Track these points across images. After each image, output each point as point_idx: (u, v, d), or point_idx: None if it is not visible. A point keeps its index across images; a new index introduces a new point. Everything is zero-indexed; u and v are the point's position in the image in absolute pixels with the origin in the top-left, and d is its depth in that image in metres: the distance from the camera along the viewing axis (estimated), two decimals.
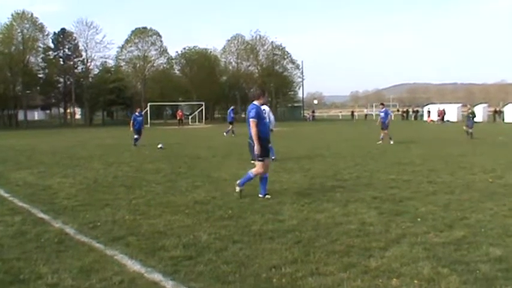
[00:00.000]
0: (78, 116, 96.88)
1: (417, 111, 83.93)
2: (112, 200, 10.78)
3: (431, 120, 69.53)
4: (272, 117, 19.06)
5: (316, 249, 6.79)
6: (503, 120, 67.61)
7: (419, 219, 8.43)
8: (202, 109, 74.43)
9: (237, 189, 10.74)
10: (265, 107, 19.42)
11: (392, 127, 27.78)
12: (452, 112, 72.49)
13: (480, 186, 11.89)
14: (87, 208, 9.89)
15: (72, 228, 8.20)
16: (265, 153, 10.67)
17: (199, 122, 72.31)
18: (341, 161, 17.69)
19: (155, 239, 7.49)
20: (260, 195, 10.70)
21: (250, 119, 10.43)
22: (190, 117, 75.75)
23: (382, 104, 30.99)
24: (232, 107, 43.41)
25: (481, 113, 71.26)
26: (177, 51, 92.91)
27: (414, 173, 14.31)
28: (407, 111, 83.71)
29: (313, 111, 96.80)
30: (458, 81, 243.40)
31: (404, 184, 12.27)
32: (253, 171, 10.79)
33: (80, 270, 6.04)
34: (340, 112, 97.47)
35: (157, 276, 5.81)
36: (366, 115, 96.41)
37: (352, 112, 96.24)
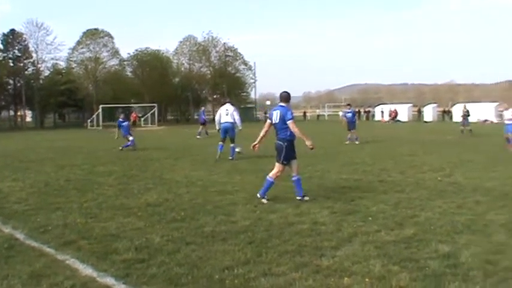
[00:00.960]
0: (28, 119, 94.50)
1: (369, 111, 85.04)
2: (63, 203, 10.59)
3: (384, 120, 70.54)
4: (237, 116, 19.24)
5: (268, 250, 6.83)
6: (451, 119, 69.09)
7: (370, 218, 8.56)
8: (155, 111, 73.81)
9: (264, 201, 10.32)
10: (229, 107, 19.62)
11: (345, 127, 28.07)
12: (403, 112, 73.72)
13: (429, 184, 12.12)
14: (38, 212, 9.70)
15: (22, 233, 8.05)
16: (292, 155, 10.58)
17: (152, 124, 71.67)
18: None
19: (107, 242, 7.40)
20: (298, 197, 10.44)
21: (291, 121, 10.29)
22: (142, 119, 74.98)
23: (348, 104, 31.77)
24: (203, 108, 43.49)
25: (430, 113, 72.87)
26: (129, 53, 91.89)
27: (365, 172, 14.49)
28: (359, 112, 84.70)
29: (265, 112, 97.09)
30: (409, 81, 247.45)
31: (356, 183, 12.42)
32: (271, 175, 10.58)
33: (30, 275, 5.93)
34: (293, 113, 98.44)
35: (109, 280, 5.75)
36: (318, 115, 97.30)
37: (305, 113, 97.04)
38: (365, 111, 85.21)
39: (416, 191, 11.25)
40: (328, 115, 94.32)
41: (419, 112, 76.83)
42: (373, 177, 13.55)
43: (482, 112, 64.46)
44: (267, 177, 10.59)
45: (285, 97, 10.61)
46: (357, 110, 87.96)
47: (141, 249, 6.96)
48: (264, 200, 10.29)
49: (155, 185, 12.92)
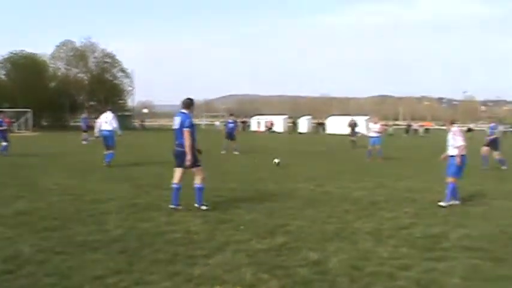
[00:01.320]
0: None
1: (245, 122, 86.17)
2: None
3: (261, 131, 71.69)
4: (115, 124, 18.94)
5: (141, 259, 6.75)
6: (325, 131, 71.59)
7: (242, 227, 8.69)
8: (29, 116, 70.55)
9: (204, 208, 10.29)
10: (109, 115, 19.24)
11: (221, 138, 28.30)
12: (279, 123, 75.47)
13: (302, 194, 12.48)
14: None
15: None
16: (197, 159, 10.42)
17: (26, 129, 68.45)
18: (169, 170, 17.59)
19: None
20: (196, 205, 10.39)
21: (186, 129, 10.12)
22: (15, 124, 71.43)
23: (232, 114, 31.94)
24: (84, 115, 42.35)
25: (305, 124, 75.08)
26: (2, 55, 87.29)
27: (241, 181, 14.66)
28: (235, 122, 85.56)
29: (142, 121, 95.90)
30: (285, 93, 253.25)
31: (231, 193, 12.53)
32: (198, 182, 10.45)
33: None
34: (169, 122, 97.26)
35: None
36: (196, 124, 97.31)
37: None
38: (242, 122, 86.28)
39: (290, 200, 11.55)
40: (205, 124, 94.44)
41: (294, 123, 78.99)
42: (249, 186, 13.74)
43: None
44: (195, 185, 10.46)
45: (186, 104, 10.51)
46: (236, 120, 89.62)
47: (9, 260, 6.63)
48: (204, 207, 10.29)
49: (27, 192, 12.31)
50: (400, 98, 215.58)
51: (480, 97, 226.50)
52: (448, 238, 8.32)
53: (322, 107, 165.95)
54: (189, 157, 10.09)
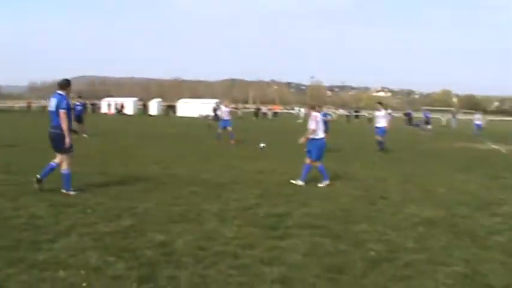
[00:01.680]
0: None
1: (95, 104, 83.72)
2: None
3: (112, 113, 70.12)
4: None
5: None
6: (175, 114, 71.57)
7: (89, 210, 8.54)
8: None
9: (72, 193, 9.95)
10: None
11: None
12: (129, 105, 74.26)
13: (150, 176, 12.44)
14: None
15: None
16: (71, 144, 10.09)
17: None
18: (12, 153, 16.79)
19: None
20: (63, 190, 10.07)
21: (62, 110, 9.78)
22: None
23: (80, 96, 31.37)
24: None
25: (155, 107, 74.57)
26: None
27: (88, 165, 14.23)
28: (84, 104, 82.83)
29: None
30: (136, 75, 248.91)
31: (78, 176, 12.16)
32: (65, 168, 10.12)
33: None
34: (17, 103, 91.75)
35: None
36: (45, 107, 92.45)
37: (29, 103, 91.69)
38: (91, 104, 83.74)
39: (137, 183, 11.47)
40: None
41: (145, 106, 78.17)
42: (95, 169, 13.42)
43: (205, 108, 67.99)
44: (62, 171, 10.16)
45: (62, 85, 10.17)
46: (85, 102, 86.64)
47: None
48: (72, 192, 9.98)
49: None
50: (250, 82, 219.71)
51: (327, 82, 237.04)
52: (292, 217, 8.71)
53: (173, 89, 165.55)
54: (67, 139, 9.93)
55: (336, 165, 16.20)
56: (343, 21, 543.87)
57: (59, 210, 8.51)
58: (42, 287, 5.19)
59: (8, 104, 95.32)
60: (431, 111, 64.87)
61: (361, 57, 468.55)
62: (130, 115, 67.79)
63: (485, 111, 39.91)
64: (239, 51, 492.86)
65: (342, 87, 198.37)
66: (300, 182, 12.09)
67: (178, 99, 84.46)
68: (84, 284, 5.27)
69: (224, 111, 25.73)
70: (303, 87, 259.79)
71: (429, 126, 41.42)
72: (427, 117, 43.19)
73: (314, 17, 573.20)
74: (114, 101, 75.38)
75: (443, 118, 70.95)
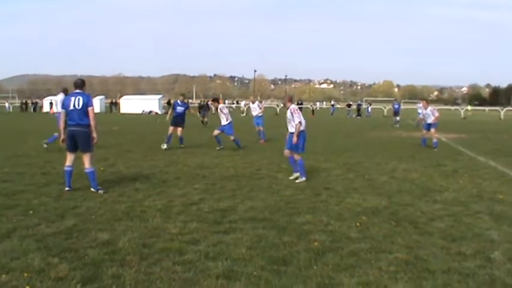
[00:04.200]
0: None
1: (36, 103, 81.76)
2: None
3: (54, 112, 68.54)
4: None
5: None
6: (119, 111, 70.66)
7: (31, 212, 8.38)
8: None
9: (101, 192, 10.17)
10: None
11: (11, 119, 26.67)
12: None
13: (98, 175, 12.24)
14: None
15: None
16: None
17: None
18: None
19: None
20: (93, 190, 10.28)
21: (91, 108, 10.27)
22: None
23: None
24: None
25: (98, 104, 73.35)
26: None
27: (29, 165, 13.97)
28: (26, 103, 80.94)
29: None
30: (78, 73, 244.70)
31: (18, 177, 11.92)
32: (90, 166, 10.37)
33: None
34: None
35: None
36: None
37: None
38: (32, 103, 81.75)
39: (80, 181, 11.22)
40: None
41: (112, 104, 76.86)
42: (37, 169, 13.17)
43: (148, 104, 67.47)
44: (86, 170, 10.39)
45: (80, 84, 10.50)
46: (24, 101, 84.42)
47: None
48: (101, 191, 10.16)
49: None
50: (192, 77, 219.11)
51: (270, 76, 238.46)
52: (236, 211, 8.78)
53: (115, 86, 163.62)
54: (95, 135, 10.28)
55: (279, 157, 16.33)
56: (285, 15, 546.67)
57: None
58: None
59: None
60: (373, 101, 66.16)
61: (304, 50, 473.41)
62: None
63: (425, 101, 41.10)
64: (182, 47, 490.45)
65: (285, 80, 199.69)
66: (302, 178, 12.07)
67: (121, 95, 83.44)
68: (27, 287, 5.18)
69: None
70: (246, 81, 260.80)
71: (398, 118, 41.61)
72: (396, 108, 42.87)
73: (255, 10, 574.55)
74: (55, 100, 73.82)
75: (385, 108, 72.28)
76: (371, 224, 8.04)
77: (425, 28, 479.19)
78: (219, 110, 19.83)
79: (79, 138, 10.24)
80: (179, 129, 19.84)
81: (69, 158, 10.43)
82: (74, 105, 10.19)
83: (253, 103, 25.06)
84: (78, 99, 10.23)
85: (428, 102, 24.18)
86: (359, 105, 67.78)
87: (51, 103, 73.28)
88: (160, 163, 14.77)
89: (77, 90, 10.43)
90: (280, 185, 11.40)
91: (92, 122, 10.22)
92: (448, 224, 8.14)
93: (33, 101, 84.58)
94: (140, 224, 7.75)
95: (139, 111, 64.94)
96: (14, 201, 9.26)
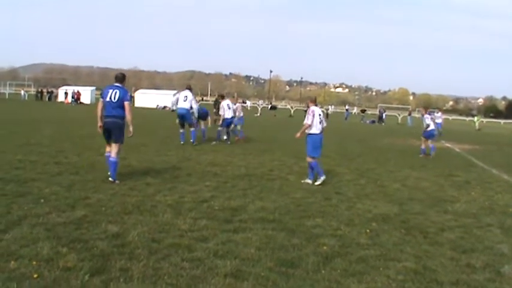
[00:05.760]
0: None
1: (51, 92, 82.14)
2: None
3: (68, 102, 68.87)
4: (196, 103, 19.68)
5: None
6: (133, 104, 70.93)
7: (42, 200, 8.41)
8: None
9: (117, 182, 10.47)
10: (188, 93, 19.40)
11: (26, 108, 26.81)
12: (87, 95, 72.99)
13: (105, 166, 12.17)
14: None
15: None
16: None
17: None
18: None
19: None
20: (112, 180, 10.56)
21: (128, 102, 10.72)
22: None
23: None
24: None
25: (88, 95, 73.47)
26: None
27: (42, 154, 14.04)
28: (41, 92, 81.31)
29: None
30: (95, 64, 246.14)
31: (31, 165, 11.99)
32: (116, 156, 10.71)
33: None
34: None
35: None
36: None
37: None
38: (48, 92, 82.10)
39: (92, 173, 11.36)
40: (9, 94, 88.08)
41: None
42: (50, 158, 13.22)
43: (163, 99, 67.56)
44: (111, 158, 10.69)
45: (121, 78, 11.00)
46: (40, 90, 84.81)
47: None
48: (117, 182, 10.46)
49: None
50: (208, 74, 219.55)
51: (286, 77, 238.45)
52: (246, 210, 8.76)
53: (131, 79, 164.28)
54: (131, 129, 10.75)
55: (291, 159, 16.35)
56: (303, 17, 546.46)
57: (11, 200, 8.35)
58: None
59: None
60: (387, 108, 66.01)
61: (321, 53, 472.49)
62: (87, 104, 66.72)
63: (440, 111, 40.86)
64: (199, 44, 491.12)
65: (301, 82, 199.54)
66: (322, 178, 12.08)
67: (136, 89, 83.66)
68: (35, 276, 5.19)
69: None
70: (261, 81, 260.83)
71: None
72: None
73: (273, 11, 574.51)
74: (72, 90, 73.92)
75: (400, 116, 72.03)
76: (381, 231, 8.00)
77: (444, 37, 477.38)
78: (221, 106, 21.02)
79: (113, 129, 10.70)
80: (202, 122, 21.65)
81: (109, 145, 10.94)
82: (110, 98, 10.63)
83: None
84: (116, 92, 10.65)
85: (427, 109, 24.56)
86: (381, 112, 66.77)
87: (66, 93, 73.96)
88: (172, 159, 14.78)
89: (117, 84, 10.88)
90: (291, 187, 11.38)
91: (128, 116, 10.69)
92: (458, 235, 8.08)
93: (49, 90, 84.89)
94: (150, 218, 7.76)
95: (154, 106, 65.03)
96: (25, 188, 9.32)
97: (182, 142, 19.18)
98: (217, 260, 6.06)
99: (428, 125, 21.95)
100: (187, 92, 19.63)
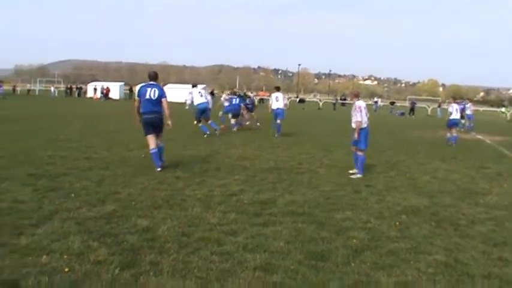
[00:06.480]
0: None
1: (81, 88, 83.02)
2: None
3: (97, 98, 69.48)
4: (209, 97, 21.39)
5: None
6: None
7: (73, 195, 8.51)
8: None
9: (158, 169, 11.32)
10: (202, 90, 21.33)
11: (56, 104, 27.11)
12: (115, 90, 73.52)
13: (134, 162, 12.39)
14: None
15: None
16: None
17: None
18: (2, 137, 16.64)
19: None
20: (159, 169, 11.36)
21: (165, 98, 11.55)
22: None
23: None
24: None
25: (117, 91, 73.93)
26: None
27: (72, 149, 14.21)
28: (71, 88, 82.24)
29: None
30: (123, 60, 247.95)
31: (61, 160, 12.15)
32: (161, 142, 11.81)
33: None
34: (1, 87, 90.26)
35: None
36: (29, 90, 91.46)
37: (14, 87, 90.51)
38: (77, 88, 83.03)
39: (121, 168, 11.44)
40: (39, 90, 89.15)
41: (131, 91, 77.67)
42: (79, 153, 13.37)
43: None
44: (152, 151, 11.47)
45: (155, 76, 11.78)
46: (69, 86, 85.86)
47: None
48: (159, 169, 11.35)
49: None
50: (236, 68, 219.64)
51: (314, 70, 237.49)
52: (275, 204, 8.73)
53: (160, 74, 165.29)
54: (170, 122, 11.58)
55: (320, 152, 16.28)
56: (330, 9, 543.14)
57: (42, 194, 8.47)
58: (24, 272, 5.15)
59: None
60: (418, 100, 65.12)
61: (349, 45, 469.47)
62: (116, 100, 67.27)
63: (470, 101, 40.20)
64: (227, 38, 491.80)
65: (329, 75, 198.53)
66: (358, 174, 12.08)
67: (165, 84, 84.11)
68: (66, 269, 5.25)
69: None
70: (290, 74, 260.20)
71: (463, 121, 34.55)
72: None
73: (301, 3, 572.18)
74: (100, 86, 74.54)
75: (430, 108, 71.27)
76: (411, 224, 7.91)
77: (474, 27, 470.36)
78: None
79: (155, 123, 11.52)
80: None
81: (151, 141, 11.51)
82: (150, 95, 11.38)
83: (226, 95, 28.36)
84: (154, 90, 11.43)
85: (455, 99, 25.23)
86: (413, 104, 66.24)
87: (95, 89, 74.63)
88: (201, 153, 14.82)
89: (152, 82, 11.64)
90: (320, 180, 11.32)
91: (167, 111, 11.51)
92: (490, 228, 7.95)
93: (78, 86, 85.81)
94: (180, 212, 7.78)
95: (182, 101, 65.20)
96: (56, 183, 9.43)
97: (208, 132, 20.23)
98: (247, 253, 6.06)
99: (450, 113, 22.50)
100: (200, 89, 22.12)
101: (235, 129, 23.83)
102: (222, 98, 30.49)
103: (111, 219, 7.21)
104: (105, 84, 74.40)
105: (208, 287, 5.10)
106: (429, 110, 70.04)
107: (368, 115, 12.38)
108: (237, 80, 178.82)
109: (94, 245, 6.04)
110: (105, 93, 69.05)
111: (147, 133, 11.54)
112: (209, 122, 20.88)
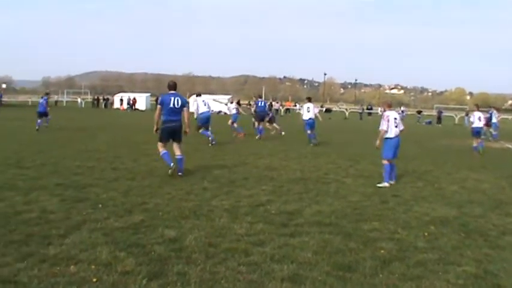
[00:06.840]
0: None
1: (107, 99, 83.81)
2: None
3: (124, 108, 70.12)
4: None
5: None
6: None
7: (100, 205, 8.57)
8: None
9: (180, 173, 12.04)
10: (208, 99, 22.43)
11: (83, 115, 27.43)
12: (142, 101, 74.05)
13: (161, 172, 12.41)
14: None
15: None
16: None
17: None
18: (25, 148, 16.84)
19: None
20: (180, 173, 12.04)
21: (187, 108, 12.35)
22: None
23: (47, 93, 31.61)
24: None
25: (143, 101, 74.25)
26: None
27: (99, 159, 14.37)
28: (97, 99, 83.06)
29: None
30: (149, 71, 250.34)
31: (89, 171, 12.27)
32: (181, 153, 12.23)
33: None
34: (30, 98, 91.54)
35: None
36: (56, 102, 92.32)
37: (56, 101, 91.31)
38: (104, 99, 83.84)
39: (148, 178, 11.51)
40: (67, 102, 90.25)
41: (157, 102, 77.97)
42: (107, 164, 13.50)
43: (217, 104, 67.83)
44: (178, 156, 12.11)
45: (175, 86, 12.34)
46: (96, 97, 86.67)
47: None
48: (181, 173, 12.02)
49: None
50: (262, 78, 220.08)
51: (340, 80, 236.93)
52: (302, 214, 8.69)
53: (185, 85, 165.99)
54: (188, 129, 12.41)
55: (347, 162, 16.20)
56: (355, 19, 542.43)
57: (70, 205, 8.55)
58: (53, 281, 5.18)
59: (20, 98, 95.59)
60: (445, 109, 64.57)
61: (375, 54, 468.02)
62: (142, 110, 67.79)
63: (498, 110, 39.60)
64: (252, 48, 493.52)
65: (355, 85, 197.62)
66: (385, 183, 12.05)
67: (191, 94, 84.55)
68: (94, 280, 5.27)
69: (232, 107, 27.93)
70: (316, 84, 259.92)
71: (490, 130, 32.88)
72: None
73: (328, 15, 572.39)
74: (127, 96, 75.20)
75: (457, 116, 70.57)
76: (439, 234, 7.80)
77: (500, 34, 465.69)
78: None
79: (177, 131, 12.22)
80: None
81: (164, 146, 12.16)
82: (174, 104, 11.98)
83: (231, 103, 28.86)
84: (177, 100, 12.05)
85: (478, 107, 25.21)
86: (440, 112, 66.22)
87: (121, 99, 75.27)
88: (228, 163, 14.84)
89: (173, 92, 12.20)
90: (347, 191, 11.24)
91: (187, 120, 12.26)
92: None
93: (105, 97, 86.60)
94: (207, 223, 7.78)
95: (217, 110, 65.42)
96: (84, 194, 9.51)
97: (212, 141, 20.44)
98: (274, 264, 6.02)
99: (472, 122, 22.72)
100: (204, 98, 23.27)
101: (258, 137, 23.92)
102: (228, 107, 31.57)
103: (139, 229, 7.24)
104: (132, 95, 75.07)
105: None
106: (456, 118, 69.32)
107: (402, 128, 12.34)
108: (263, 90, 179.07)
109: (121, 255, 6.06)
110: (132, 104, 69.64)
111: (164, 140, 12.18)
112: (208, 131, 21.17)
